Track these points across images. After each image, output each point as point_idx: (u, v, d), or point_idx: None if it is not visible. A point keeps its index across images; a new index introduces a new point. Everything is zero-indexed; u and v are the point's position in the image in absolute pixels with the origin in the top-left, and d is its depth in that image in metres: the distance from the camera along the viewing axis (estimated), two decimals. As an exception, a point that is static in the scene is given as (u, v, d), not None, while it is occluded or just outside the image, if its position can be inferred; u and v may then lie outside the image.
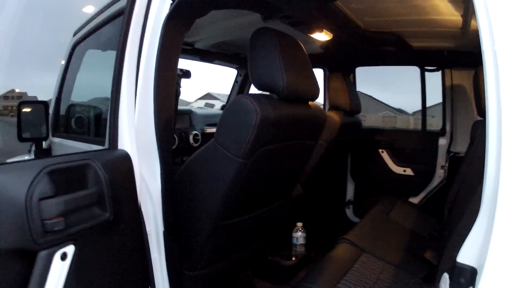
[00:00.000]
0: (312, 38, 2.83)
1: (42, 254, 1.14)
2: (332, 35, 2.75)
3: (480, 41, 1.13)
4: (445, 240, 2.15)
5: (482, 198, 1.03)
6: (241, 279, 2.61)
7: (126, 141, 1.49)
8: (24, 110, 2.48)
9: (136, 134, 1.53)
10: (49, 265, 1.16)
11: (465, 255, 1.02)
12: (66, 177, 1.24)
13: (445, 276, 1.09)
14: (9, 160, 3.25)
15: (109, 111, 1.52)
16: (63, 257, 1.19)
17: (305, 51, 1.84)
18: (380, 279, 1.90)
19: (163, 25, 1.60)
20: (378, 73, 4.15)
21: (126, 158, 1.45)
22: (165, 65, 1.64)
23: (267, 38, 1.64)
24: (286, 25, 2.43)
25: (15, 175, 1.13)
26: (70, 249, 1.21)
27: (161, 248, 1.65)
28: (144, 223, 1.54)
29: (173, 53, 1.70)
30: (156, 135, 1.62)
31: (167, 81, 1.68)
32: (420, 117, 3.80)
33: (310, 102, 1.90)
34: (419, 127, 3.82)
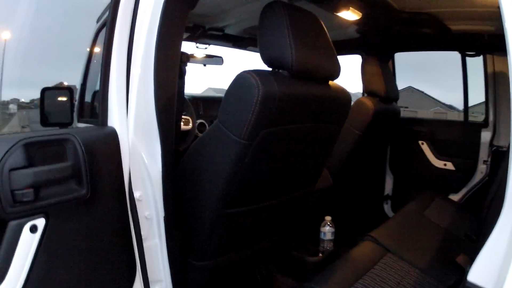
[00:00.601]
0: (347, 22, 2.73)
1: (12, 224, 1.16)
2: (360, 14, 2.60)
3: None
4: (480, 244, 1.98)
5: (504, 203, 0.87)
6: (262, 273, 2.51)
7: (115, 118, 1.44)
8: (48, 96, 2.46)
9: (136, 114, 1.50)
10: (18, 236, 1.17)
11: (477, 274, 0.86)
12: (43, 151, 1.23)
13: None
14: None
15: (99, 89, 1.48)
16: (33, 229, 1.19)
17: (324, 28, 1.70)
18: (401, 284, 1.74)
19: (164, 2, 1.52)
20: (426, 66, 3.96)
21: (112, 135, 1.40)
22: (166, 45, 1.56)
23: (276, 11, 1.52)
24: (310, 4, 2.29)
25: None
26: (40, 222, 1.21)
27: (162, 234, 1.58)
28: (135, 207, 1.48)
29: (174, 32, 1.61)
30: (156, 115, 1.54)
31: (169, 60, 1.59)
32: (471, 114, 3.58)
33: (331, 82, 1.75)
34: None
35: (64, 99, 2.52)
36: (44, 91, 2.51)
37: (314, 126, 1.69)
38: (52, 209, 1.22)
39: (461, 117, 3.65)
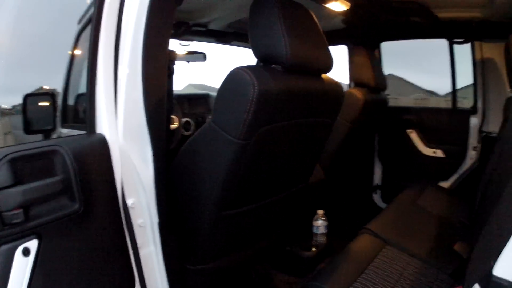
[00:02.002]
0: (333, 13, 2.68)
1: (3, 249, 1.08)
2: (349, 4, 2.56)
3: None
4: (476, 230, 1.97)
5: None
6: (258, 271, 2.48)
7: (104, 124, 1.36)
8: (31, 102, 2.40)
9: (125, 118, 1.41)
10: (10, 261, 1.09)
11: (505, 268, 0.83)
12: (30, 165, 1.15)
13: None
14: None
15: (86, 95, 1.39)
16: (26, 252, 1.12)
17: (316, 20, 1.66)
18: (403, 275, 1.72)
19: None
20: (407, 53, 3.95)
21: (102, 143, 1.32)
22: (154, 43, 1.48)
23: (268, 4, 1.47)
24: None
25: None
26: (33, 244, 1.13)
27: (157, 241, 1.52)
28: (129, 215, 1.41)
29: (162, 29, 1.53)
30: (146, 118, 1.46)
31: (157, 59, 1.52)
32: (450, 98, 3.60)
33: (323, 76, 1.71)
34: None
35: (47, 104, 2.46)
36: (26, 97, 2.44)
37: (308, 121, 1.66)
38: (45, 229, 1.15)
39: (442, 103, 3.66)
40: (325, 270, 1.74)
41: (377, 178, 3.85)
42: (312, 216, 2.87)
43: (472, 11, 2.87)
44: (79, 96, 2.53)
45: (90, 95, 1.36)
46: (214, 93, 3.25)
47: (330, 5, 2.53)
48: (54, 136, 2.54)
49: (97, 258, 1.32)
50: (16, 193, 1.08)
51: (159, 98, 1.53)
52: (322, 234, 2.84)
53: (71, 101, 2.60)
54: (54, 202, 1.17)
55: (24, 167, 1.12)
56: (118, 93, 1.42)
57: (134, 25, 1.43)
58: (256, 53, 1.52)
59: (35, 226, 1.12)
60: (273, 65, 1.50)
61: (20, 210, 1.08)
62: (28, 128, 2.33)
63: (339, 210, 3.46)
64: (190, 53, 3.29)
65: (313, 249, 2.76)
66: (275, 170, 1.69)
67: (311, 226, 2.87)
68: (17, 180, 1.10)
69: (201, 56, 3.36)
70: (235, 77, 1.37)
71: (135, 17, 1.43)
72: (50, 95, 2.45)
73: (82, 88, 2.51)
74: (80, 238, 1.26)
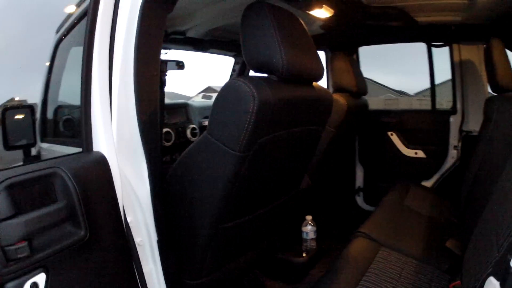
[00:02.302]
0: (311, 18, 2.67)
1: (9, 287, 1.00)
2: (333, 11, 2.57)
3: None
4: (468, 227, 2.02)
5: None
6: (250, 280, 2.47)
7: (102, 142, 1.33)
8: (9, 116, 2.32)
9: (117, 132, 1.37)
10: None
11: None
12: (29, 191, 1.08)
13: (493, 282, 0.91)
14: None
15: (80, 110, 1.34)
16: None
17: (305, 27, 1.65)
18: (402, 275, 1.75)
19: (140, 8, 1.40)
20: (378, 54, 4.00)
21: (101, 162, 1.29)
22: (146, 53, 1.44)
23: (261, 13, 1.44)
24: (282, 2, 2.24)
25: None
26: (41, 278, 1.06)
27: (156, 259, 1.48)
28: (131, 234, 1.37)
29: (154, 39, 1.50)
30: (140, 132, 1.42)
31: (149, 70, 1.48)
32: (422, 98, 3.68)
33: (314, 83, 1.71)
34: (423, 108, 3.68)
35: (26, 118, 2.39)
36: (4, 111, 2.36)
37: (302, 130, 1.65)
38: (51, 260, 1.08)
39: (414, 103, 3.78)
40: (327, 275, 1.74)
41: (359, 180, 3.91)
42: (300, 222, 2.87)
43: (451, 15, 2.92)
44: (58, 109, 2.47)
45: (85, 111, 1.32)
46: (193, 102, 3.24)
47: (314, 12, 2.53)
48: (33, 151, 2.47)
49: (105, 282, 1.28)
50: (19, 225, 1.01)
51: (153, 111, 1.49)
52: (312, 239, 2.85)
53: (50, 114, 2.53)
54: (58, 230, 1.11)
55: (23, 193, 1.05)
56: (112, 107, 1.39)
57: (125, 36, 1.41)
58: (250, 63, 1.50)
59: (42, 259, 1.05)
60: (269, 75, 1.49)
61: (25, 243, 1.01)
62: (7, 144, 2.26)
63: (324, 214, 3.47)
64: (169, 61, 3.26)
65: (304, 255, 2.77)
66: (272, 179, 1.68)
67: (300, 232, 2.87)
68: (18, 209, 1.03)
69: (174, 64, 3.32)
70: (233, 89, 1.34)
71: (125, 28, 1.41)
72: (29, 108, 2.38)
73: (62, 100, 2.45)
74: (88, 265, 1.22)
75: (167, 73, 1.91)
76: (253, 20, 1.46)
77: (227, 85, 1.36)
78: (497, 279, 0.90)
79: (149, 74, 1.48)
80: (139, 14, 1.40)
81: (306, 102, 1.61)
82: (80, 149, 1.56)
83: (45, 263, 1.06)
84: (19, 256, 0.99)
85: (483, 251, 1.18)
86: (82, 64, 1.34)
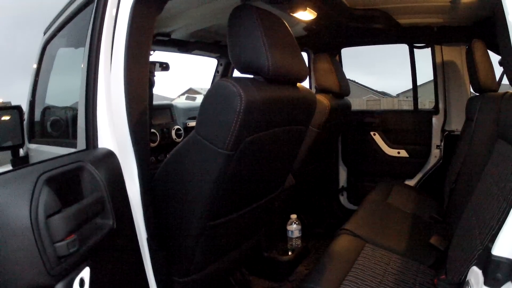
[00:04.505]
0: (294, 20, 2.70)
1: (61, 286, 0.96)
2: (316, 13, 2.61)
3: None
4: (451, 224, 2.08)
5: None
6: (237, 279, 2.49)
7: (107, 139, 1.35)
8: (-3, 117, 2.32)
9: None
10: None
11: (503, 247, 0.89)
12: (65, 185, 1.06)
13: (475, 271, 0.96)
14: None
15: (84, 108, 1.37)
16: (82, 284, 1.02)
17: (289, 29, 1.68)
18: (387, 271, 1.78)
19: (131, 9, 1.43)
20: (360, 55, 4.06)
21: (113, 157, 1.32)
22: (135, 53, 1.46)
23: (247, 15, 1.48)
24: (267, 5, 2.28)
25: (7, 189, 0.93)
26: (86, 273, 1.04)
27: (147, 257, 1.49)
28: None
29: (143, 40, 1.52)
30: (129, 131, 1.44)
31: (139, 70, 1.50)
32: (404, 98, 3.74)
33: (298, 84, 1.74)
34: (404, 108, 3.74)
35: (14, 119, 2.39)
36: (-8, 112, 2.36)
37: (287, 129, 1.68)
38: (92, 253, 1.07)
39: (395, 103, 3.80)
40: (314, 271, 1.77)
41: (343, 180, 3.95)
42: (285, 221, 2.91)
43: (433, 17, 3.00)
44: (46, 110, 2.47)
45: (91, 109, 1.35)
46: (178, 104, 3.26)
47: (298, 14, 2.56)
48: (21, 152, 2.47)
49: (124, 270, 1.31)
50: (68, 217, 0.98)
51: (142, 111, 1.52)
52: (297, 238, 2.88)
53: (38, 114, 2.53)
54: (92, 222, 1.11)
55: (57, 186, 1.01)
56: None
57: (116, 37, 1.44)
58: (236, 64, 1.52)
59: (87, 252, 1.04)
60: (254, 76, 1.52)
61: (75, 236, 0.97)
62: (-5, 145, 2.26)
63: (309, 213, 3.51)
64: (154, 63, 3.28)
65: (290, 253, 2.80)
66: (257, 177, 1.71)
67: (285, 230, 2.91)
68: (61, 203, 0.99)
69: (158, 66, 3.33)
70: (221, 89, 1.37)
71: (115, 29, 1.44)
72: (16, 108, 2.38)
73: (49, 101, 2.45)
74: (114, 254, 1.24)
75: (155, 74, 1.94)
76: (240, 22, 1.49)
77: (214, 85, 1.39)
78: (480, 268, 0.95)
79: (139, 75, 1.50)
80: (129, 15, 1.43)
81: (291, 102, 1.65)
82: (73, 149, 1.59)
83: (88, 256, 1.06)
84: (70, 251, 0.96)
85: (466, 246, 1.23)
86: (88, 65, 1.38)
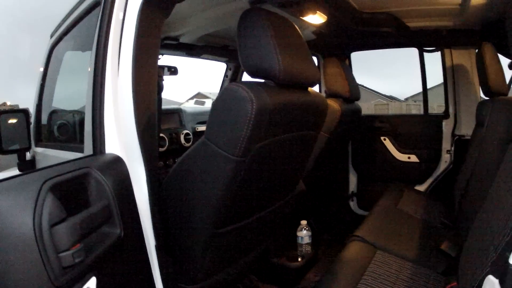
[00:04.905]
0: (303, 24, 2.67)
1: None
2: (326, 17, 2.58)
3: None
4: (462, 230, 2.05)
5: None
6: (245, 285, 2.46)
7: (115, 144, 1.33)
8: (4, 120, 2.31)
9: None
10: None
11: None
12: (70, 192, 1.03)
13: (491, 280, 0.93)
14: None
15: (91, 113, 1.35)
16: None
17: (300, 32, 1.66)
18: (399, 278, 1.76)
19: (138, 12, 1.40)
20: (367, 59, 4.03)
21: (120, 163, 1.29)
22: (143, 57, 1.43)
23: (257, 18, 1.45)
24: (276, 8, 2.25)
25: (10, 196, 0.89)
26: (92, 284, 1.01)
27: (155, 265, 1.45)
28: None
29: (151, 43, 1.49)
30: (138, 136, 1.40)
31: (147, 74, 1.47)
32: (413, 103, 3.71)
33: (309, 89, 1.72)
34: (410, 113, 3.71)
35: (21, 122, 2.37)
36: (-1, 115, 2.35)
37: (298, 134, 1.65)
38: (99, 263, 1.04)
39: (403, 107, 3.77)
40: (325, 279, 1.75)
41: (352, 185, 3.91)
42: (295, 227, 2.87)
43: (442, 20, 2.96)
44: (52, 113, 2.45)
45: (99, 113, 1.32)
46: (187, 108, 3.24)
47: (308, 18, 2.54)
48: (28, 156, 2.46)
49: (132, 280, 1.29)
50: (73, 226, 0.94)
51: (150, 116, 1.48)
52: (307, 244, 2.84)
53: (44, 118, 2.51)
54: (99, 231, 1.08)
55: (62, 194, 0.98)
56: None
57: (124, 40, 1.41)
58: (246, 68, 1.50)
59: (93, 262, 1.01)
60: (265, 80, 1.49)
61: (80, 246, 0.94)
62: (2, 148, 2.24)
63: (318, 219, 3.48)
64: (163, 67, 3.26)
65: (299, 260, 2.76)
66: (268, 184, 1.68)
67: (294, 237, 2.87)
68: (66, 210, 0.96)
69: (166, 70, 3.32)
70: (231, 94, 1.34)
71: (123, 32, 1.41)
72: (23, 111, 2.36)
73: (56, 105, 2.43)
74: (121, 263, 1.21)
75: (164, 78, 1.91)
76: (250, 26, 1.46)
77: (225, 90, 1.36)
78: (496, 277, 0.91)
79: (147, 79, 1.47)
80: (137, 19, 1.40)
81: (302, 107, 1.62)
82: (80, 154, 1.56)
83: (95, 266, 1.03)
84: (76, 261, 0.93)
85: (479, 252, 1.20)
86: (95, 68, 1.35)
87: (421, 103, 3.76)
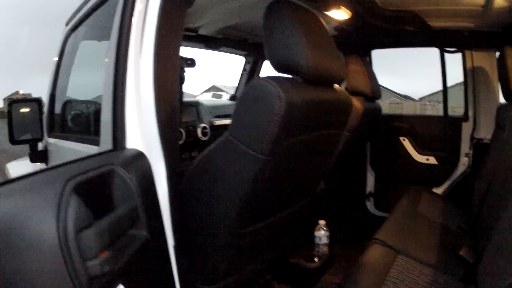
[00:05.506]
0: (325, 19, 2.61)
1: None
2: (350, 13, 2.54)
3: None
4: (481, 235, 2.02)
5: None
6: (260, 284, 2.42)
7: (136, 138, 1.27)
8: (16, 109, 2.27)
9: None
10: None
11: None
12: (94, 192, 0.96)
13: None
14: (9, 164, 3.05)
15: (111, 105, 1.29)
16: None
17: (326, 26, 1.61)
18: (419, 284, 1.72)
19: (160, 1, 1.34)
20: (382, 58, 3.97)
21: (143, 159, 1.23)
22: (165, 48, 1.37)
23: (286, 11, 1.40)
24: (299, 1, 2.20)
25: (28, 198, 0.83)
26: None
27: (173, 265, 1.39)
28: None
29: (173, 34, 1.43)
30: (158, 130, 1.33)
31: (168, 66, 1.40)
32: (427, 103, 3.67)
33: (334, 85, 1.67)
34: (426, 113, 3.68)
35: (33, 112, 2.34)
36: (11, 104, 2.31)
37: (324, 133, 1.61)
38: (126, 269, 0.97)
39: (418, 107, 3.73)
40: (347, 284, 1.71)
41: (370, 185, 3.87)
42: (312, 226, 2.83)
43: (464, 21, 2.92)
44: (66, 103, 2.41)
45: (120, 106, 1.27)
46: (204, 101, 3.19)
47: (331, 13, 2.51)
48: (40, 146, 2.41)
49: (158, 284, 1.25)
50: (100, 232, 0.87)
51: (172, 109, 1.41)
52: (324, 244, 2.81)
53: (58, 108, 2.47)
54: (126, 235, 1.02)
55: (86, 194, 0.90)
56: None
57: (145, 29, 1.34)
58: (273, 63, 1.44)
59: (121, 269, 0.94)
60: (293, 76, 1.44)
61: (109, 253, 0.87)
62: (13, 138, 2.20)
63: (334, 218, 3.44)
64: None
65: (316, 260, 2.73)
66: (292, 183, 1.64)
67: (311, 236, 2.83)
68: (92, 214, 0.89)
69: (184, 62, 3.27)
70: (259, 89, 1.28)
71: (146, 21, 1.35)
72: (35, 101, 2.32)
73: (70, 94, 2.39)
74: (146, 266, 1.17)
75: (185, 70, 1.86)
76: (277, 19, 1.41)
77: (252, 85, 1.31)
78: None
79: (169, 71, 1.41)
80: (158, 8, 1.33)
81: (329, 104, 1.58)
82: (95, 147, 1.51)
83: (122, 273, 0.96)
84: (104, 270, 0.86)
85: (502, 260, 1.17)
86: (116, 61, 1.30)
87: (436, 103, 3.72)
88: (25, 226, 0.79)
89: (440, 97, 3.66)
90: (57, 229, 0.79)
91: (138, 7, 1.33)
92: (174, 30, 1.43)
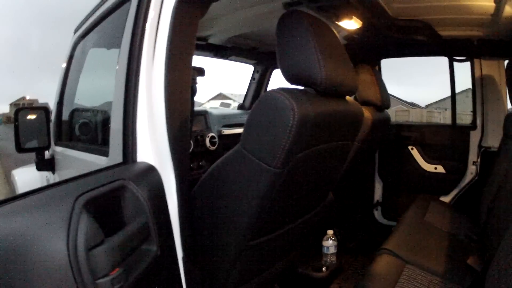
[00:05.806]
0: (336, 28, 2.61)
1: None
2: (361, 22, 2.53)
3: None
4: (489, 244, 2.02)
5: None
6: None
7: (147, 151, 1.25)
8: (23, 117, 2.26)
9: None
10: None
11: None
12: (105, 207, 0.95)
13: None
14: (15, 171, 3.04)
15: (121, 115, 1.28)
16: None
17: (339, 37, 1.59)
18: None
19: (173, 10, 1.32)
20: (388, 66, 3.96)
21: (154, 173, 1.21)
22: (177, 58, 1.35)
23: (299, 22, 1.38)
24: (310, 11, 2.19)
25: (37, 215, 0.81)
26: None
27: (182, 278, 1.37)
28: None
29: (186, 43, 1.41)
30: (169, 143, 1.32)
31: (180, 77, 1.38)
32: (434, 110, 3.66)
33: (347, 97, 1.66)
34: (432, 120, 3.67)
35: (40, 119, 2.32)
36: (18, 111, 2.30)
37: (335, 144, 1.60)
38: (136, 285, 0.95)
39: (424, 115, 3.73)
40: None
41: (378, 194, 3.86)
42: (319, 236, 2.82)
43: (473, 30, 2.92)
44: (74, 112, 2.40)
45: (132, 118, 1.26)
46: (213, 110, 3.18)
47: (343, 23, 2.50)
48: (47, 155, 2.40)
49: None
50: (112, 250, 0.85)
51: (183, 121, 1.40)
52: (332, 254, 2.81)
53: (66, 116, 2.45)
54: (137, 251, 1.00)
55: (97, 210, 0.88)
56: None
57: (158, 39, 1.34)
58: (286, 74, 1.43)
59: (131, 285, 0.92)
60: (305, 88, 1.43)
61: (120, 270, 0.86)
62: (20, 146, 2.18)
63: (341, 227, 3.43)
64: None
65: (324, 270, 2.71)
66: (303, 194, 1.62)
67: (319, 245, 2.82)
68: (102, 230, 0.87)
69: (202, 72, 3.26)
70: (271, 101, 1.26)
71: (158, 30, 1.34)
72: (43, 109, 2.31)
73: (78, 102, 2.38)
74: (156, 282, 1.15)
75: (197, 82, 1.84)
76: (291, 29, 1.40)
77: (264, 97, 1.29)
78: None
79: (181, 82, 1.40)
80: (171, 17, 1.32)
81: (341, 116, 1.57)
82: (103, 158, 1.49)
83: None
84: (115, 287, 0.84)
85: (510, 269, 1.15)
86: (128, 69, 1.29)
87: (442, 111, 3.71)
88: (34, 245, 0.77)
89: (446, 104, 3.66)
90: (67, 248, 0.78)
91: (151, 14, 1.33)
92: (187, 40, 1.42)
